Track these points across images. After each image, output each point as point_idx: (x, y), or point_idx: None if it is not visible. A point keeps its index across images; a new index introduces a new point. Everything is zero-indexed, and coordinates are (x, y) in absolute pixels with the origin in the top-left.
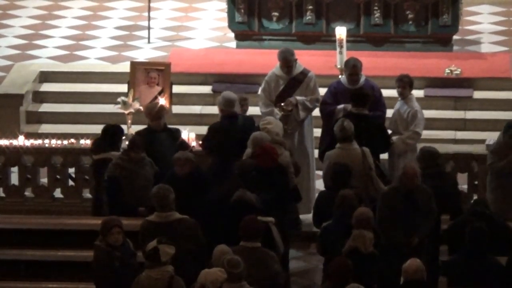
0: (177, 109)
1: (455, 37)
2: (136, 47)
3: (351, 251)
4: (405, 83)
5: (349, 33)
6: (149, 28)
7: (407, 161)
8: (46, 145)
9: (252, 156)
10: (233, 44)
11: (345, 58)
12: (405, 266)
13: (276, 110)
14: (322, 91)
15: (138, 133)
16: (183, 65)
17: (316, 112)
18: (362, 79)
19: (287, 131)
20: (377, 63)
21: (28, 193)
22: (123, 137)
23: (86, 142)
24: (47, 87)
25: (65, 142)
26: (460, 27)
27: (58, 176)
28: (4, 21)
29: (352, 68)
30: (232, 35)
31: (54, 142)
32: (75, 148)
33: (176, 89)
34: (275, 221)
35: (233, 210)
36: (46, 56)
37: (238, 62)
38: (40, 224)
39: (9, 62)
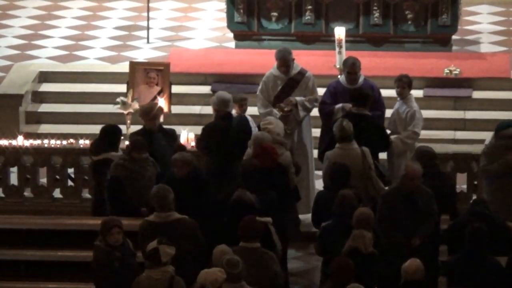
0: (176, 109)
1: (454, 37)
2: (136, 47)
3: (351, 251)
4: (404, 83)
5: (348, 33)
6: (148, 28)
7: (410, 162)
8: (46, 145)
9: (252, 156)
10: (232, 44)
11: (344, 58)
12: (405, 266)
13: (275, 111)
14: (321, 91)
15: (134, 133)
16: (183, 65)
17: (315, 112)
18: (361, 79)
19: (286, 131)
20: (376, 63)
21: (27, 193)
22: (122, 137)
23: (85, 142)
24: (46, 87)
25: (65, 142)
26: (459, 27)
27: (57, 176)
28: (4, 21)
29: (351, 66)
30: (231, 35)
31: (54, 142)
32: (74, 148)
33: (176, 89)
34: (276, 221)
35: (233, 210)
36: (45, 56)
37: (238, 62)
38: (39, 224)
39: (8, 62)
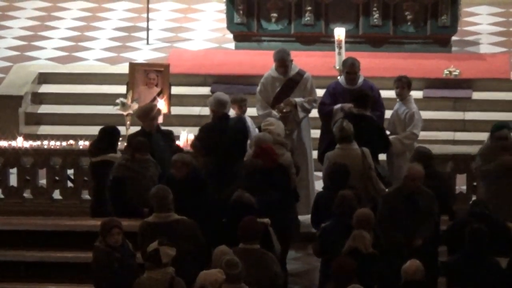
0: (176, 110)
1: (454, 38)
2: (135, 48)
3: (351, 251)
4: (403, 84)
5: (348, 34)
6: (148, 29)
7: (412, 163)
8: (45, 146)
9: (252, 157)
10: (232, 45)
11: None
12: (405, 266)
13: (274, 112)
14: (321, 92)
15: (132, 135)
16: (182, 66)
17: (314, 113)
18: (361, 79)
19: (286, 132)
20: (376, 64)
21: (27, 194)
22: (120, 138)
23: (85, 143)
24: (46, 88)
25: (64, 143)
26: (459, 28)
27: (57, 177)
28: (3, 23)
29: (350, 66)
30: (231, 36)
31: (53, 143)
32: (74, 149)
33: (175, 90)
34: (276, 222)
35: (232, 211)
36: (45, 58)
37: (237, 63)
38: (39, 225)
39: (8, 64)
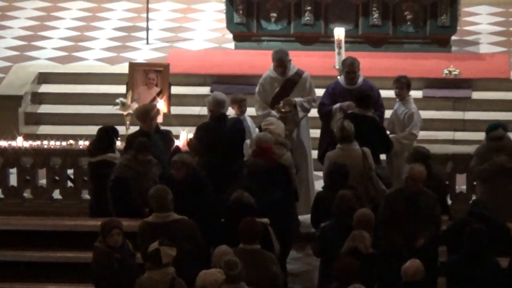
0: (176, 110)
1: (453, 37)
2: (135, 48)
3: (350, 251)
4: (402, 84)
5: (348, 34)
6: (147, 29)
7: (414, 164)
8: (45, 146)
9: (251, 156)
10: (231, 45)
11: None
12: (405, 267)
13: (274, 112)
14: (321, 92)
15: (131, 135)
16: (182, 66)
17: (313, 112)
18: (360, 79)
19: (286, 132)
20: (375, 64)
21: (27, 194)
22: (119, 138)
23: (85, 143)
24: (45, 88)
25: (64, 143)
26: (458, 28)
27: (56, 177)
28: (3, 23)
29: (350, 65)
30: (230, 36)
31: (53, 143)
32: (74, 149)
33: (175, 90)
34: (276, 222)
35: (231, 211)
36: (44, 58)
37: (237, 63)
38: (39, 225)
39: (7, 63)
